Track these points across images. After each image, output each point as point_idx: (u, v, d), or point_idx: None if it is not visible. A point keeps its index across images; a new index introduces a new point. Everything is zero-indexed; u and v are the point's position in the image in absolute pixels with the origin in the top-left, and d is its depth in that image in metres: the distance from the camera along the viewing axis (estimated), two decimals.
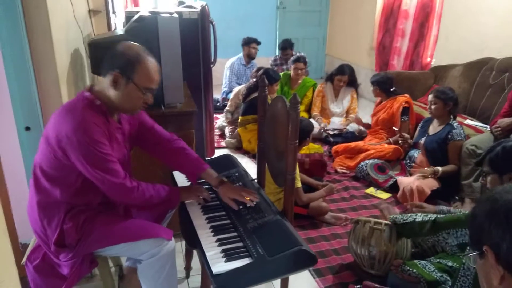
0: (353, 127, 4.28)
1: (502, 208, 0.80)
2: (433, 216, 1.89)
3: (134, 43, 1.61)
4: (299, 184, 2.70)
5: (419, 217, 1.94)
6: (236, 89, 4.58)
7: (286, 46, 5.41)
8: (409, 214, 2.02)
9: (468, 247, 1.79)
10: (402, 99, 3.79)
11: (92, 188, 1.57)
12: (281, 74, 4.64)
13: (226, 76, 5.40)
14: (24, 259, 1.70)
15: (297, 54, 4.81)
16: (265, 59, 5.66)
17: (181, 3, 3.34)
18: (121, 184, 1.55)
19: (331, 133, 4.23)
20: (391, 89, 3.90)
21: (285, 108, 1.62)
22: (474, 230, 0.85)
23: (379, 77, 3.97)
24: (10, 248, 1.17)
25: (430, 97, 3.16)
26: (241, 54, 5.40)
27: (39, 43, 2.02)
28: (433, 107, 3.13)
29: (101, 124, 1.53)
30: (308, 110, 4.68)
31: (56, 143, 1.48)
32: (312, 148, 3.44)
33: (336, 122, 4.37)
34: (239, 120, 4.17)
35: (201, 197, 1.79)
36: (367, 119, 4.54)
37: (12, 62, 1.97)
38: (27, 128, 2.10)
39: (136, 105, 1.60)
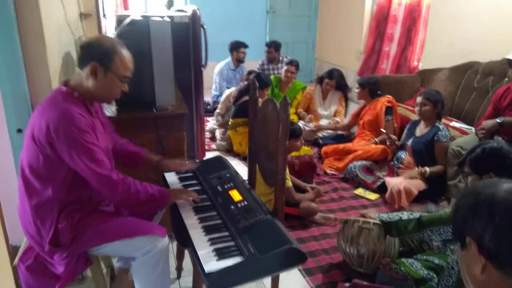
0: (329, 132, 4.37)
1: (485, 201, 0.83)
2: (417, 215, 1.94)
3: (108, 36, 1.65)
4: (289, 184, 2.75)
5: (405, 215, 1.99)
6: (227, 91, 4.59)
7: (272, 45, 5.39)
8: (395, 213, 2.08)
9: (452, 242, 1.84)
10: (384, 99, 3.86)
11: (83, 182, 1.57)
12: (272, 77, 4.68)
13: (216, 82, 5.36)
14: (16, 260, 1.70)
15: (289, 58, 4.87)
16: (254, 62, 5.69)
17: (170, 4, 3.35)
18: (108, 176, 1.55)
19: (320, 135, 4.30)
20: (378, 92, 3.96)
21: (276, 110, 1.66)
22: (457, 222, 0.88)
23: (368, 78, 4.01)
24: (6, 249, 1.18)
25: (419, 99, 3.18)
26: (229, 59, 5.34)
27: (32, 46, 2.02)
28: (423, 109, 3.15)
29: (85, 113, 1.56)
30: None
31: (44, 138, 1.48)
32: (301, 150, 3.48)
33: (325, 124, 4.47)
34: (229, 123, 4.19)
35: (190, 198, 1.79)
36: None
37: (4, 64, 1.96)
38: (19, 130, 2.09)
39: (114, 93, 1.66)
